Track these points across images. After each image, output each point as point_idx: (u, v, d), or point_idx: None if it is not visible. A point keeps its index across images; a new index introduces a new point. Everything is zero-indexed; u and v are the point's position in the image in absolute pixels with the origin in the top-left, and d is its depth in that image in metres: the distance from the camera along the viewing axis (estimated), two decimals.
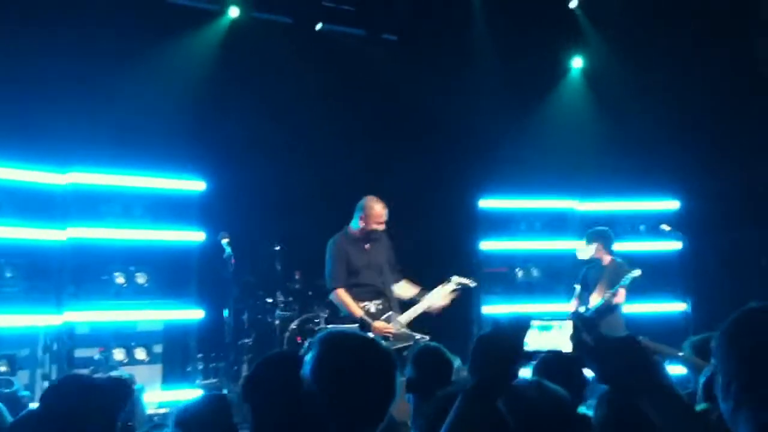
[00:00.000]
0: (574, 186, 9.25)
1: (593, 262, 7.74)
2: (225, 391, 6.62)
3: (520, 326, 1.97)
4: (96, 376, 5.46)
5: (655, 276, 8.21)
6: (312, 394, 2.49)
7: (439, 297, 6.58)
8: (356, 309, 6.35)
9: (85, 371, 6.69)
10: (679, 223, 8.61)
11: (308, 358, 2.48)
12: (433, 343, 4.59)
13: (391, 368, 2.45)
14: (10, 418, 3.36)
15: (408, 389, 4.16)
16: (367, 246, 6.61)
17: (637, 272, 7.39)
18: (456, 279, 6.74)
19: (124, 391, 3.43)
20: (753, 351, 1.83)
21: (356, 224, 6.59)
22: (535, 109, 10.11)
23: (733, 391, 1.83)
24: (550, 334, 1.97)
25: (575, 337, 1.91)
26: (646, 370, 1.81)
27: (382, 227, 6.56)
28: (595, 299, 7.54)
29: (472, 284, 6.94)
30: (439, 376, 4.03)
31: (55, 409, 2.81)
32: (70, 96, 7.59)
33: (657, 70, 9.47)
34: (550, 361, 3.56)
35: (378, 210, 6.57)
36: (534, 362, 3.75)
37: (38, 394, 6.37)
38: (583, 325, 1.90)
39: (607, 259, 7.70)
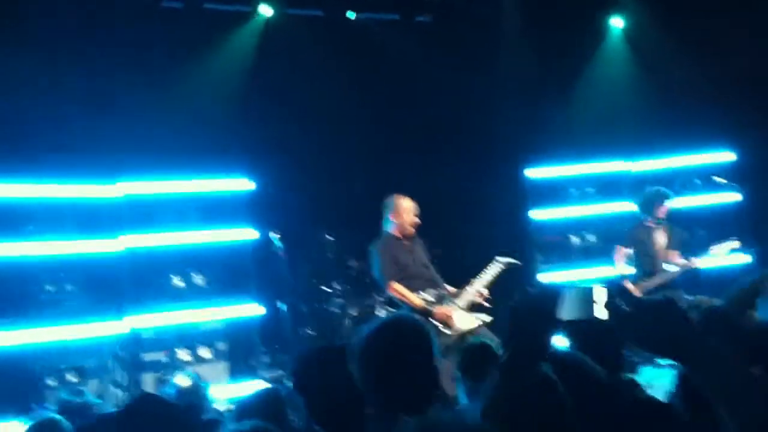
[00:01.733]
0: (624, 147, 9.07)
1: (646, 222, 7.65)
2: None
3: (552, 295, 1.92)
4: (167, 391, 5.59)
5: (716, 230, 8.02)
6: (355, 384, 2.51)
7: (488, 279, 6.55)
8: (414, 298, 6.36)
9: (153, 374, 6.92)
10: (736, 174, 8.37)
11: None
12: (479, 340, 4.58)
13: (429, 357, 2.43)
14: (70, 427, 3.47)
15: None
16: (408, 245, 6.62)
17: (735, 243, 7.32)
18: (501, 259, 6.70)
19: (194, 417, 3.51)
20: None
21: (388, 225, 6.61)
22: (577, 73, 9.94)
23: None
24: (586, 302, 1.93)
25: (610, 304, 1.84)
26: (685, 335, 1.72)
27: (417, 220, 6.57)
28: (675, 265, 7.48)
29: (517, 262, 6.88)
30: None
31: (133, 424, 2.89)
32: (115, 107, 7.74)
33: (699, 19, 9.19)
34: (584, 331, 3.51)
35: (407, 203, 6.62)
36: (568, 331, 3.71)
37: (110, 400, 6.58)
38: (617, 291, 1.84)
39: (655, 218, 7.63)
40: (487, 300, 6.48)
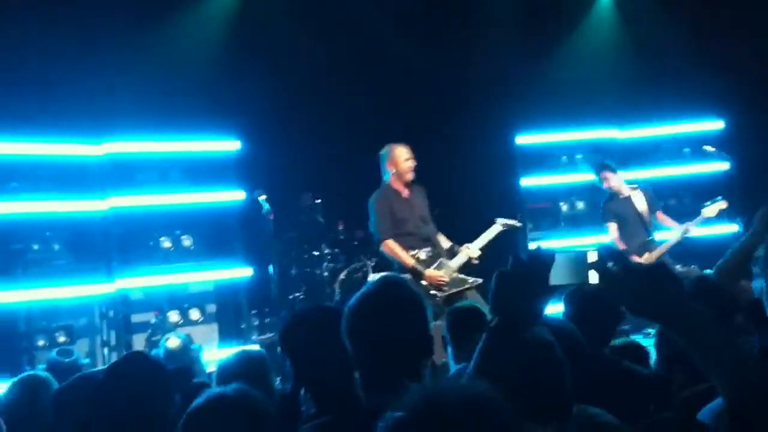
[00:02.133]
0: (613, 114, 9.07)
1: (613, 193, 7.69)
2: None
3: (542, 260, 1.87)
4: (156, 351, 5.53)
5: (704, 198, 8.04)
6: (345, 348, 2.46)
7: (485, 241, 6.54)
8: (407, 258, 6.30)
9: (143, 335, 6.87)
10: (724, 143, 8.40)
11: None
12: (467, 303, 4.57)
13: (421, 322, 2.37)
14: (57, 386, 3.42)
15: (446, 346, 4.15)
16: (406, 195, 6.53)
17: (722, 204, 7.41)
18: (501, 221, 6.69)
19: (184, 380, 3.44)
20: None
21: (387, 175, 6.53)
22: (566, 38, 9.90)
23: None
24: (577, 266, 1.88)
25: (600, 268, 1.79)
26: (677, 300, 1.68)
27: (412, 165, 6.46)
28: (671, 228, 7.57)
29: (518, 224, 6.90)
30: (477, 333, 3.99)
31: (116, 385, 2.82)
32: (100, 67, 7.59)
33: None
34: (578, 295, 3.50)
35: (401, 150, 6.50)
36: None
37: (100, 360, 6.53)
38: (608, 254, 1.78)
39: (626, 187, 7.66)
40: (479, 260, 6.45)
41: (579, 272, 1.87)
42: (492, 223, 6.69)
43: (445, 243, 6.64)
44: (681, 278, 1.77)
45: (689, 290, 3.70)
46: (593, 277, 1.81)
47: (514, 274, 1.88)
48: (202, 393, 2.24)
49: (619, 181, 7.77)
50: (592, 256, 1.82)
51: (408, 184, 6.55)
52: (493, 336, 1.86)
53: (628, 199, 7.71)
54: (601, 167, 7.82)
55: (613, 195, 7.76)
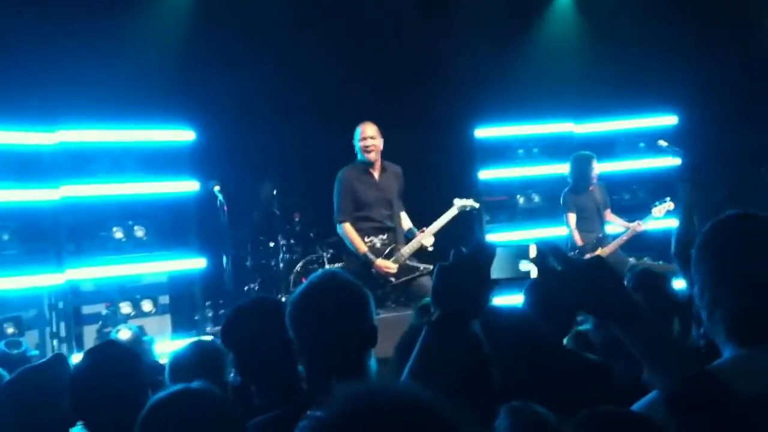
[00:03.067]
0: (570, 109, 9.14)
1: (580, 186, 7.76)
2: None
3: (484, 253, 1.87)
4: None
5: (657, 193, 8.17)
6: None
7: (442, 223, 6.56)
8: (360, 245, 6.32)
9: (94, 327, 6.78)
10: (677, 138, 8.51)
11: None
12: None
13: (362, 315, 2.36)
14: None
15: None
16: (377, 177, 6.50)
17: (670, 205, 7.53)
18: (459, 202, 6.72)
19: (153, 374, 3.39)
20: (722, 259, 1.84)
21: (359, 154, 6.51)
22: (525, 33, 9.93)
23: (707, 299, 1.87)
24: (520, 260, 1.88)
25: (539, 262, 1.80)
26: (615, 293, 1.70)
27: (366, 145, 6.42)
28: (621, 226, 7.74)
29: (476, 205, 6.91)
30: None
31: (95, 374, 2.78)
32: (53, 53, 7.45)
33: None
34: (537, 286, 3.53)
35: (359, 128, 6.48)
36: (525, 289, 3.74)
37: (49, 352, 6.43)
38: (548, 249, 1.79)
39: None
40: (433, 246, 6.46)
41: (516, 265, 1.87)
42: (450, 204, 6.68)
43: (405, 223, 6.65)
44: (617, 272, 1.78)
45: (632, 283, 3.77)
46: (533, 272, 1.82)
47: (455, 267, 1.87)
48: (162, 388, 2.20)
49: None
50: (533, 251, 1.82)
51: (382, 165, 6.51)
52: (433, 330, 1.86)
53: (590, 192, 7.78)
54: (590, 158, 7.81)
55: (576, 187, 7.80)
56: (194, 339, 3.81)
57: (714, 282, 1.86)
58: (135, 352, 3.00)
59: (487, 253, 1.86)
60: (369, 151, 6.43)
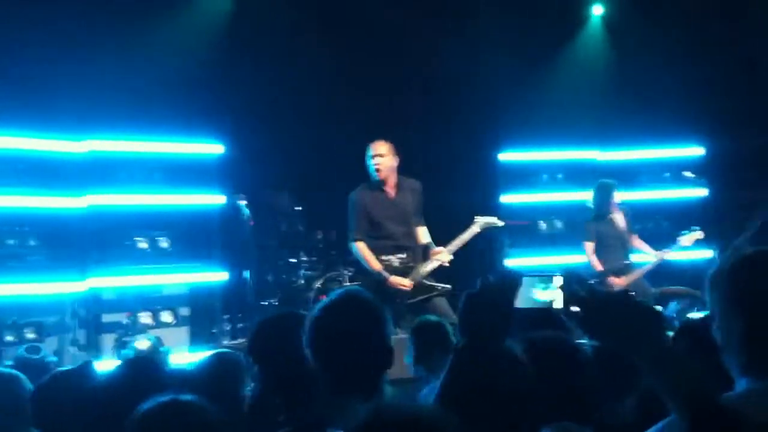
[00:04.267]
0: (595, 136, 9.13)
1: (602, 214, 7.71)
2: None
3: (510, 282, 1.87)
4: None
5: (682, 224, 8.12)
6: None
7: (461, 242, 6.48)
8: (374, 263, 6.26)
9: (113, 335, 6.82)
10: (703, 170, 8.48)
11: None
12: (432, 318, 4.57)
13: (380, 335, 2.37)
14: (30, 386, 3.39)
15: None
16: (392, 194, 6.44)
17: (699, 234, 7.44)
18: (481, 220, 6.57)
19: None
20: (738, 292, 1.83)
21: (373, 175, 6.47)
22: (554, 58, 9.95)
23: (722, 331, 1.86)
24: (547, 289, 1.88)
25: (567, 291, 1.79)
26: (640, 328, 1.69)
27: (374, 163, 6.35)
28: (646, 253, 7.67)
29: (500, 223, 6.78)
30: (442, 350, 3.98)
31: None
32: (84, 63, 7.54)
33: (679, 15, 9.27)
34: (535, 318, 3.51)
35: (371, 150, 6.40)
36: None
37: (67, 359, 6.47)
38: (573, 278, 1.79)
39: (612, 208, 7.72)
40: (450, 264, 6.38)
41: (548, 295, 1.87)
42: (471, 222, 6.59)
43: (425, 238, 6.54)
44: (652, 309, 1.78)
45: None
46: (557, 301, 1.82)
47: (482, 297, 1.88)
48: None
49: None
50: (559, 280, 1.82)
51: (398, 182, 6.46)
52: (460, 356, 1.87)
53: (612, 220, 7.74)
54: (611, 185, 7.77)
55: (597, 214, 7.78)
56: (215, 351, 3.82)
57: (729, 314, 1.86)
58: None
59: (514, 282, 1.87)
60: (377, 170, 6.37)
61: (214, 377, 3.33)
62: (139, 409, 2.05)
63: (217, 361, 3.49)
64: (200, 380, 3.33)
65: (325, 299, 2.47)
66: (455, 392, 1.84)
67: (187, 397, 2.04)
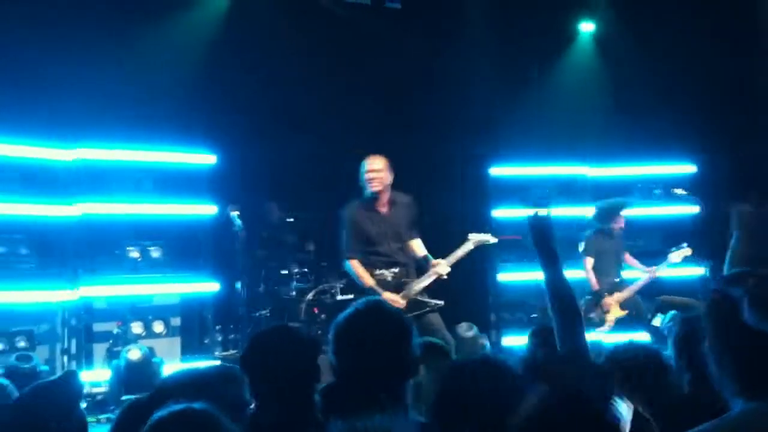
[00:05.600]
0: (585, 152, 9.18)
1: (606, 230, 7.76)
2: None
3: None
4: None
5: (672, 241, 8.16)
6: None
7: (455, 258, 6.43)
8: (367, 279, 6.22)
9: (104, 345, 6.79)
10: (695, 187, 8.53)
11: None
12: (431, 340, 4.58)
13: (406, 346, 2.44)
14: (16, 393, 3.38)
15: None
16: (385, 211, 6.40)
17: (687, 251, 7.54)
18: (474, 238, 6.53)
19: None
20: (731, 317, 1.88)
21: (364, 188, 6.42)
22: (544, 74, 10.01)
23: (716, 354, 1.93)
24: None
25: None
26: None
27: (369, 177, 6.28)
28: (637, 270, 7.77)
29: (493, 240, 6.75)
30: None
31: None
32: (77, 71, 7.52)
33: (670, 32, 9.36)
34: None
35: (365, 162, 6.34)
36: None
37: (59, 368, 6.44)
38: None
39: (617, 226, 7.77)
40: (448, 276, 6.34)
41: None
42: (463, 240, 6.56)
43: (420, 251, 6.49)
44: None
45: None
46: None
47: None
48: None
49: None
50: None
51: (391, 199, 6.42)
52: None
53: (611, 236, 7.79)
54: (623, 205, 7.85)
55: (600, 230, 7.81)
56: (215, 362, 3.81)
57: (722, 336, 1.92)
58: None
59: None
60: (372, 182, 6.29)
61: (219, 387, 3.32)
62: (153, 417, 2.04)
63: (221, 371, 3.49)
64: (205, 389, 3.32)
65: (350, 308, 2.50)
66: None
67: (199, 405, 2.04)
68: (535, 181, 9.05)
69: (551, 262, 2.55)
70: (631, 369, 2.91)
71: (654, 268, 7.66)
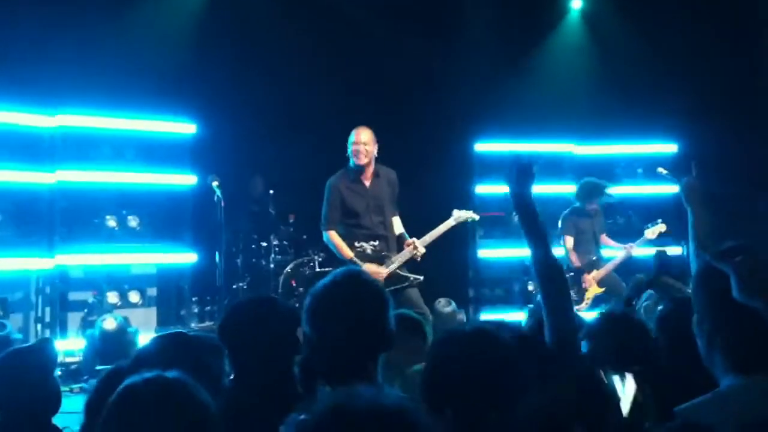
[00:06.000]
0: (570, 129, 9.16)
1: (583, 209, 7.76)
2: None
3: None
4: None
5: (653, 219, 8.16)
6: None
7: (438, 233, 6.45)
8: (346, 251, 6.20)
9: (79, 314, 6.72)
10: (676, 166, 8.52)
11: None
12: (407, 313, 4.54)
13: (383, 317, 2.41)
14: None
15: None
16: (369, 183, 6.38)
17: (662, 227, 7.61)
18: (457, 214, 6.55)
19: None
20: (721, 293, 1.90)
21: (351, 160, 6.41)
22: (532, 51, 9.95)
23: (706, 330, 1.97)
24: None
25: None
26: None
27: (356, 149, 6.27)
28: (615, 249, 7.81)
29: (476, 217, 6.77)
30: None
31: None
32: (59, 37, 7.42)
33: (657, 10, 9.32)
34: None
35: (352, 133, 6.32)
36: None
37: (32, 336, 6.37)
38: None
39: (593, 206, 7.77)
40: (422, 256, 6.33)
41: None
42: (446, 215, 6.55)
43: (398, 228, 6.50)
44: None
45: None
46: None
47: None
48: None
49: None
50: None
51: (375, 171, 6.40)
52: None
53: (589, 215, 7.80)
54: (603, 188, 7.83)
55: (578, 209, 7.82)
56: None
57: (712, 311, 1.96)
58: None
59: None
60: (359, 155, 6.27)
61: (200, 356, 3.28)
62: (123, 383, 1.99)
63: (202, 340, 3.44)
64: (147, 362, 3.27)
65: (328, 277, 2.46)
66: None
67: (172, 373, 1.99)
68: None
69: (539, 239, 2.50)
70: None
71: (630, 245, 7.68)
